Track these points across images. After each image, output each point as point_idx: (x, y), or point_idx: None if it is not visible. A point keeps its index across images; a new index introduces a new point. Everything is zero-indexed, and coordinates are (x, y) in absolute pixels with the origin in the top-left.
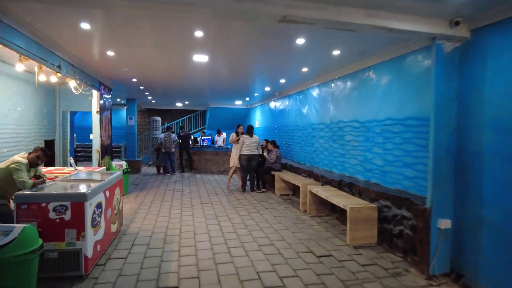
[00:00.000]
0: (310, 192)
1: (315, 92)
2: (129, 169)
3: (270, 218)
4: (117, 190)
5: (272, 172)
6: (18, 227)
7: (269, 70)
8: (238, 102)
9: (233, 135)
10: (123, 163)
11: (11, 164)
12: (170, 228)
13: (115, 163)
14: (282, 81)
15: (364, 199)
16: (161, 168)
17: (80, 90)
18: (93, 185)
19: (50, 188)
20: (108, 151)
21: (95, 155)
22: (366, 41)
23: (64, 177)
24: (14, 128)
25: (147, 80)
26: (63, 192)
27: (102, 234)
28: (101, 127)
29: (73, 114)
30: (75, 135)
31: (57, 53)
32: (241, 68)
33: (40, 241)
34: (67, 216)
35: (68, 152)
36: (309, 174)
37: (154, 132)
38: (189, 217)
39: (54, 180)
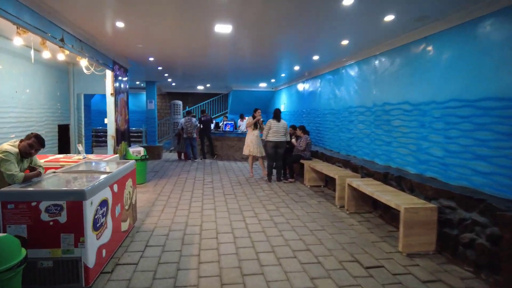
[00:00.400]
0: (349, 185)
1: (353, 71)
2: (147, 156)
3: (302, 214)
4: (129, 182)
5: (301, 161)
6: None
7: (301, 43)
8: (263, 85)
9: (249, 119)
10: (141, 149)
11: None
12: (190, 225)
13: (132, 149)
14: (315, 58)
15: (417, 196)
16: (182, 154)
17: (92, 69)
18: (97, 178)
19: (46, 183)
20: (124, 137)
21: (110, 141)
22: (429, 2)
23: (69, 167)
24: (22, 111)
25: (165, 59)
26: (56, 188)
27: (108, 237)
28: (116, 111)
29: (90, 97)
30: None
31: (58, 24)
32: (268, 41)
33: (23, 252)
34: (62, 218)
35: (84, 138)
36: (345, 164)
37: (175, 116)
38: (211, 211)
39: (55, 172)
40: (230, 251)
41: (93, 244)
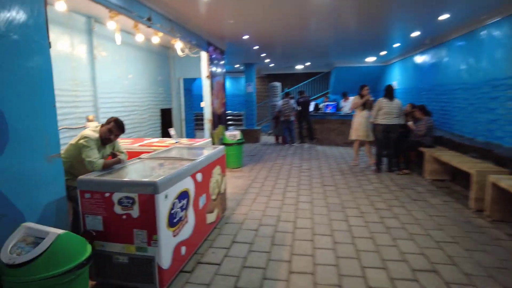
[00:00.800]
0: (494, 185)
1: (498, 31)
2: (243, 140)
3: (424, 218)
4: (217, 170)
5: (420, 149)
6: (52, 235)
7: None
8: (370, 59)
9: (356, 99)
10: (237, 133)
11: (80, 139)
12: (282, 220)
13: (228, 132)
14: (442, 17)
15: None
16: (280, 138)
17: (187, 51)
18: (177, 168)
19: (124, 171)
20: (221, 120)
21: (207, 125)
22: None
23: (155, 153)
24: (126, 96)
25: (260, 36)
26: (128, 180)
27: (189, 232)
28: (212, 94)
29: (190, 81)
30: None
31: (144, 2)
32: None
33: (88, 251)
34: (135, 212)
35: (185, 122)
36: (484, 154)
37: (273, 99)
38: (307, 204)
39: (140, 158)
40: (328, 261)
41: (168, 242)
